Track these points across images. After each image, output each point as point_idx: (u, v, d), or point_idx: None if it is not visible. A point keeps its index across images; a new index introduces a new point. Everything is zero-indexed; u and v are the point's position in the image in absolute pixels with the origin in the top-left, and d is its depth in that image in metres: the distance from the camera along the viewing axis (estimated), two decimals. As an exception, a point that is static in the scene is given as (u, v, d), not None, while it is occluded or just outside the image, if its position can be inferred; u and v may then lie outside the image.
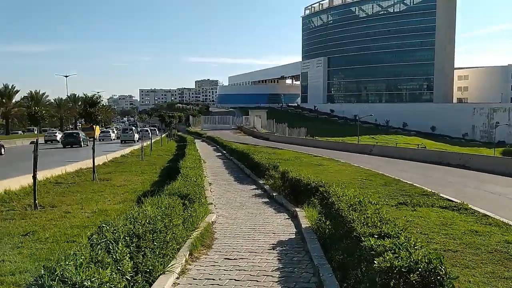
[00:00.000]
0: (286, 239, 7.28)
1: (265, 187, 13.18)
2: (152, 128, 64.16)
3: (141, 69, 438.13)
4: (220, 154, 31.45)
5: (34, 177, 11.75)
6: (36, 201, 11.49)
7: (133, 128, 54.02)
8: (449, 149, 72.31)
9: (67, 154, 32.53)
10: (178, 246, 6.16)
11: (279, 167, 14.07)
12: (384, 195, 12.67)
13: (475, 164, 25.67)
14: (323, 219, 7.20)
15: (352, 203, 5.63)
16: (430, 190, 13.36)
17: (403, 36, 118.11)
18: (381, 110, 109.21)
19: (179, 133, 69.89)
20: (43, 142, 47.10)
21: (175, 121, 55.17)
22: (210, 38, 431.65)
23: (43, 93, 78.26)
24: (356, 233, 4.33)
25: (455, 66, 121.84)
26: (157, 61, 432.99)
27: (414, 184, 14.91)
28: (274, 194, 11.76)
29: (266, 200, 11.57)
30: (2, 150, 32.29)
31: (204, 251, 6.58)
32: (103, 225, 4.75)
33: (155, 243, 4.84)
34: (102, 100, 16.88)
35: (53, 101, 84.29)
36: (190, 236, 6.93)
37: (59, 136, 47.99)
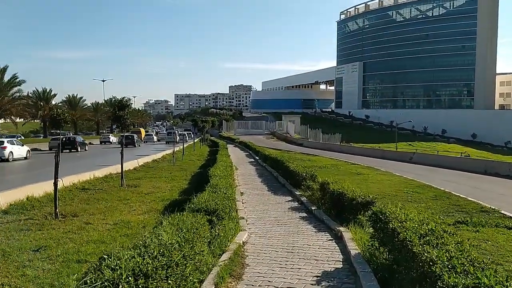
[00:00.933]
0: (332, 269, 6.02)
1: (302, 199, 11.93)
2: (187, 132, 67.49)
3: (177, 75, 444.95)
4: (252, 160, 30.44)
5: (55, 184, 11.03)
6: (57, 210, 10.74)
7: (176, 131, 62.59)
8: (492, 158, 68.53)
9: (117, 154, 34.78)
10: (201, 277, 5.07)
11: (317, 177, 12.84)
12: (438, 211, 11.20)
13: (529, 175, 23.66)
14: (376, 244, 5.95)
15: (422, 232, 4.38)
16: (489, 206, 11.79)
17: (442, 40, 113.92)
18: (418, 116, 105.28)
19: (212, 137, 69.59)
20: (99, 143, 57.83)
21: (208, 126, 54.63)
22: (245, 44, 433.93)
23: (80, 97, 79.79)
24: (443, 284, 3.10)
25: (497, 72, 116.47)
26: (192, 66, 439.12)
27: (469, 198, 13.33)
28: (313, 208, 10.50)
29: (304, 214, 10.30)
30: (86, 147, 42.46)
31: (233, 284, 5.42)
32: (104, 256, 3.72)
33: (169, 281, 3.75)
34: (131, 103, 16.16)
35: (90, 105, 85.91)
36: (216, 263, 5.82)
37: (111, 138, 58.89)
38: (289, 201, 12.32)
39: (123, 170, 22.24)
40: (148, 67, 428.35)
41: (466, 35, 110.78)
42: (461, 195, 13.92)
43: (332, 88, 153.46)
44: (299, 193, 12.70)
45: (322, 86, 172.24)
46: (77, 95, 78.83)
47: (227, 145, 49.77)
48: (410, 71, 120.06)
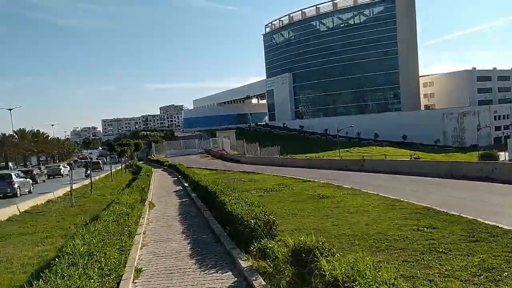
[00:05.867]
0: None
1: (254, 283, 5.85)
2: (100, 158, 62.65)
3: (104, 100, 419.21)
4: (180, 188, 24.13)
5: None
6: None
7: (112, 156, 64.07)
8: (425, 157, 67.65)
9: None
10: None
11: (276, 230, 6.98)
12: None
13: (503, 175, 19.78)
14: None
15: None
16: None
17: (366, 47, 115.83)
18: (350, 122, 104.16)
19: (140, 162, 62.14)
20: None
21: (130, 150, 47.02)
22: (171, 64, 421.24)
23: (-21, 129, 68.50)
24: None
25: (420, 74, 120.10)
26: (120, 90, 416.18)
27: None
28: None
29: None
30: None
31: None
32: None
33: None
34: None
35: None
36: None
37: (62, 169, 49.57)
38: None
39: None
40: (71, 94, 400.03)
41: (388, 40, 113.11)
42: (499, 225, 8.84)
43: (264, 101, 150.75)
44: (247, 264, 6.54)
45: (254, 100, 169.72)
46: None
47: (154, 169, 42.81)
48: (337, 78, 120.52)
